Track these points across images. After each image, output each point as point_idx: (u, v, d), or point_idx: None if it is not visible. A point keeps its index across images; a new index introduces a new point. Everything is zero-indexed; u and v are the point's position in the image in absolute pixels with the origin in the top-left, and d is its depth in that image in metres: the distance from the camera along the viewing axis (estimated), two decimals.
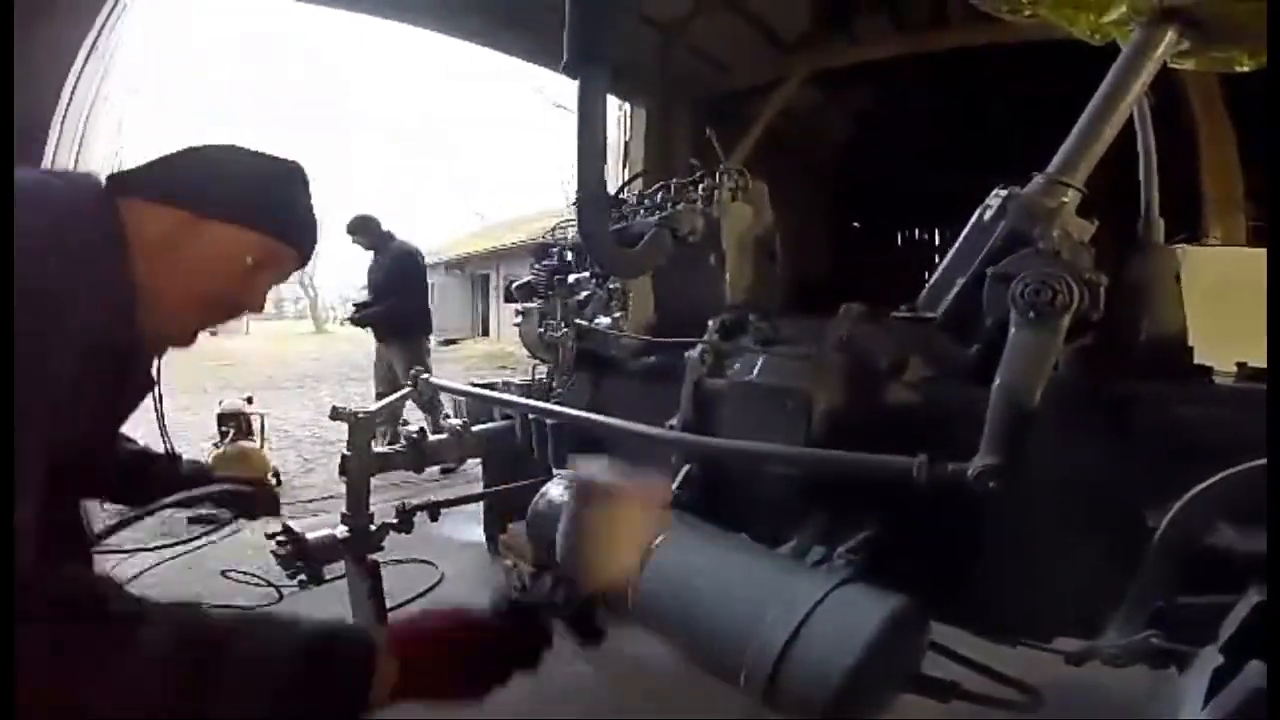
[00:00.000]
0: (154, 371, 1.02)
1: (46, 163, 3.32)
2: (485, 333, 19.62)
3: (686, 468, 1.49)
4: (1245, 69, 1.40)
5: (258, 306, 1.03)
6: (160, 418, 1.07)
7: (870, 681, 0.97)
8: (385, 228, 4.95)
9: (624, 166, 5.82)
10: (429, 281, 5.31)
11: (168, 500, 1.19)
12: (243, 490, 1.34)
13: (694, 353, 1.52)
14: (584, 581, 0.96)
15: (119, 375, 0.88)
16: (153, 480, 1.24)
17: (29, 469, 0.68)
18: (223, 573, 2.42)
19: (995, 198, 1.21)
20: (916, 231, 10.30)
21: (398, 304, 4.76)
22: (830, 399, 1.19)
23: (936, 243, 10.12)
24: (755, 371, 1.34)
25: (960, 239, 1.25)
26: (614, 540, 0.96)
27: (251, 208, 0.95)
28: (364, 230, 4.86)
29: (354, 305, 5.39)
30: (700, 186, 1.84)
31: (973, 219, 1.24)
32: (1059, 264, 1.01)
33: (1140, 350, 1.12)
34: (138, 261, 0.85)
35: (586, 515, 0.97)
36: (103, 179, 0.91)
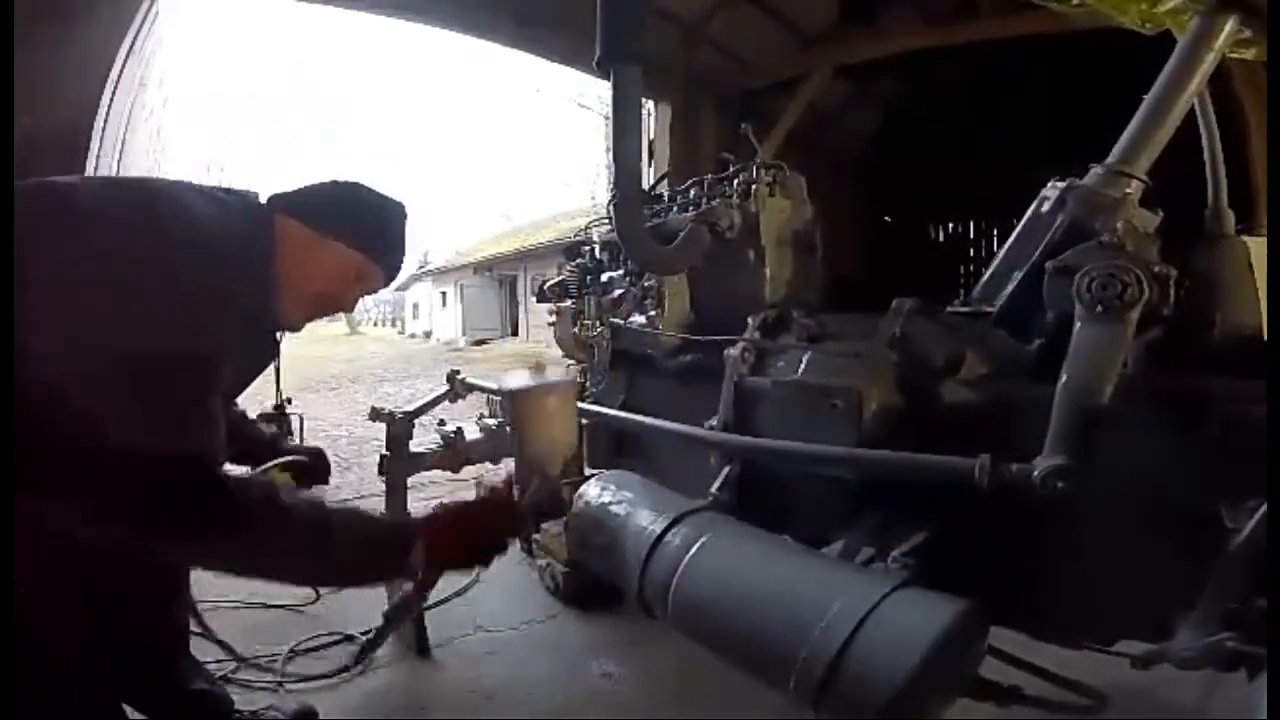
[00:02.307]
0: (279, 346, 1.34)
1: (90, 170, 3.39)
2: (515, 333, 19.72)
3: (727, 469, 1.48)
4: None
5: (350, 309, 1.35)
6: (278, 379, 1.45)
7: (928, 687, 0.95)
8: None
9: (650, 165, 5.79)
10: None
11: (260, 469, 1.44)
12: (308, 461, 1.61)
13: (734, 350, 1.50)
14: (539, 459, 1.27)
15: (260, 346, 1.19)
16: (247, 441, 1.53)
17: (217, 409, 1.01)
18: None
19: (1052, 189, 1.17)
20: (951, 226, 10.11)
21: None
22: (883, 398, 1.16)
23: (972, 236, 9.93)
24: (801, 369, 1.32)
25: (1016, 231, 1.21)
26: (549, 424, 1.28)
27: (364, 237, 1.25)
28: None
29: None
30: (736, 181, 1.81)
31: (1029, 211, 1.19)
32: (1125, 256, 0.97)
33: (1214, 344, 1.08)
34: (281, 263, 1.16)
35: (527, 412, 1.27)
36: (263, 197, 1.23)
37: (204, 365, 0.99)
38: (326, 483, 1.74)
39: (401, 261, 1.37)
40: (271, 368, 1.34)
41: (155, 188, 1.13)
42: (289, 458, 1.56)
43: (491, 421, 2.25)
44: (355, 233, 1.24)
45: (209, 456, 1.01)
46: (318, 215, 1.21)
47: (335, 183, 1.28)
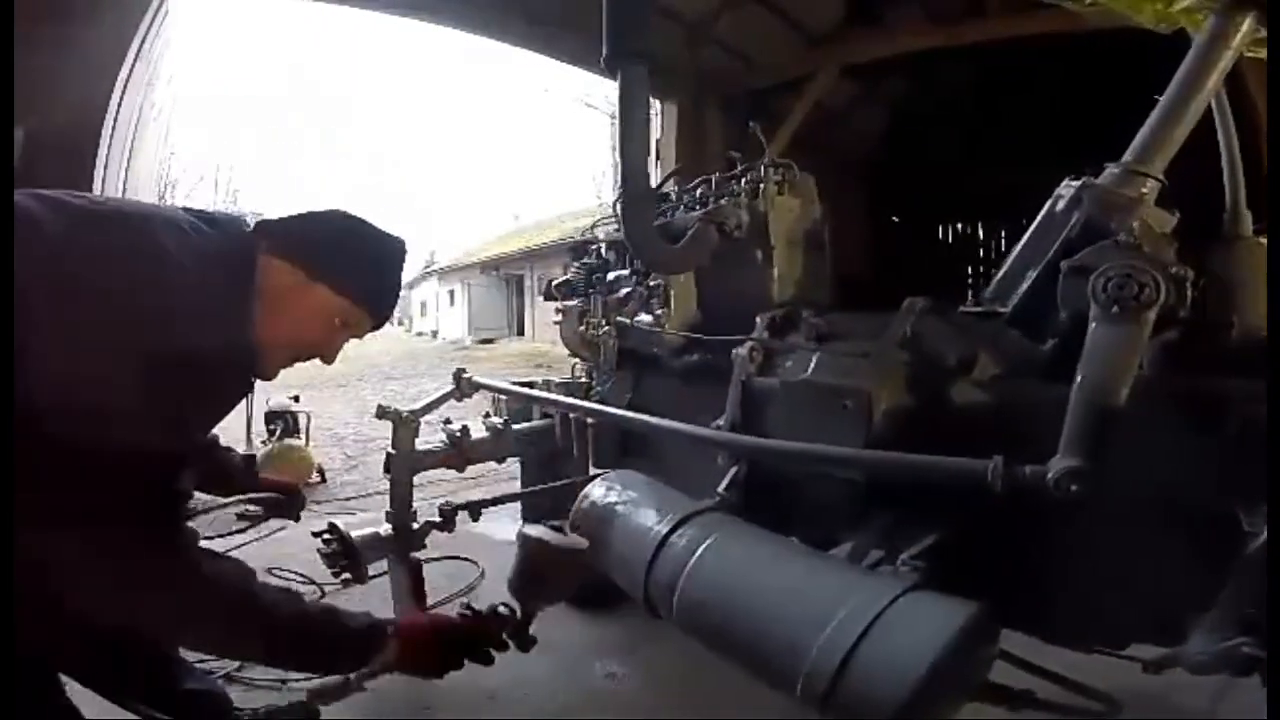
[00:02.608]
0: (251, 386, 1.25)
1: (99, 172, 3.40)
2: (520, 332, 19.77)
3: (734, 469, 1.46)
4: None
5: (331, 359, 1.24)
6: (249, 420, 1.46)
7: (938, 691, 0.93)
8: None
9: (657, 164, 5.79)
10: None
11: (225, 501, 1.44)
12: (281, 499, 1.63)
13: (742, 350, 1.49)
14: (525, 604, 1.36)
15: (230, 388, 1.11)
16: (218, 469, 1.51)
17: (191, 453, 1.02)
18: (269, 570, 2.46)
19: (1067, 188, 1.15)
20: (958, 226, 10.08)
21: None
22: (894, 398, 1.15)
23: (980, 237, 9.90)
24: (810, 370, 1.30)
25: (1030, 231, 1.19)
26: (547, 580, 1.35)
27: (352, 281, 1.17)
28: None
29: None
30: (744, 180, 1.80)
31: (1043, 210, 1.18)
32: (1142, 256, 0.96)
33: (1231, 346, 1.06)
34: (262, 308, 1.07)
35: (529, 560, 1.32)
36: (249, 223, 1.16)
37: (166, 418, 0.94)
38: (296, 520, 1.78)
39: (393, 306, 1.30)
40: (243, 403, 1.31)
41: (131, 222, 1.04)
42: (259, 495, 1.57)
43: (497, 420, 2.24)
44: (346, 277, 1.16)
45: (174, 521, 1.00)
46: (307, 255, 1.13)
47: (330, 217, 1.20)
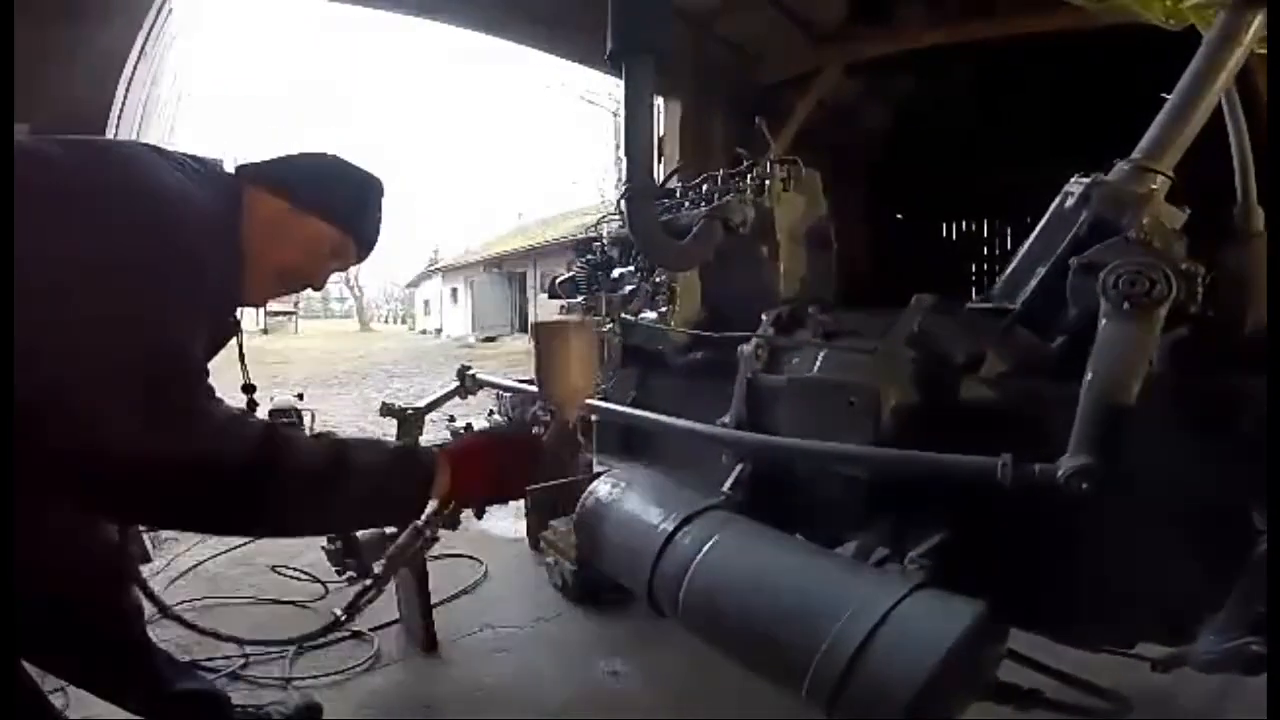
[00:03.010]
0: (239, 319, 1.25)
1: None
2: (523, 329, 19.76)
3: (739, 467, 1.46)
4: None
5: (320, 286, 1.27)
6: (241, 355, 1.31)
7: (946, 690, 0.93)
8: None
9: (660, 161, 5.77)
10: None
11: None
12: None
13: (747, 347, 1.48)
14: (557, 398, 1.30)
15: (220, 322, 1.11)
16: None
17: (201, 357, 0.99)
18: (273, 568, 2.46)
19: (1075, 185, 1.14)
20: (963, 224, 10.05)
21: None
22: (901, 396, 1.14)
23: (985, 235, 9.86)
24: (816, 367, 1.30)
25: (1038, 228, 1.18)
26: (573, 363, 1.29)
27: (338, 211, 1.20)
28: None
29: None
30: (750, 176, 1.79)
31: (1052, 207, 1.17)
32: (1152, 253, 0.95)
33: (1243, 343, 1.05)
34: (249, 235, 1.09)
35: (549, 346, 1.29)
36: (230, 166, 1.17)
37: (179, 308, 0.94)
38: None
39: (377, 236, 1.30)
40: (235, 349, 1.27)
41: (120, 149, 1.08)
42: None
43: (501, 418, 2.24)
44: (331, 206, 1.19)
45: (196, 386, 0.95)
46: (291, 187, 1.15)
47: (311, 154, 1.23)
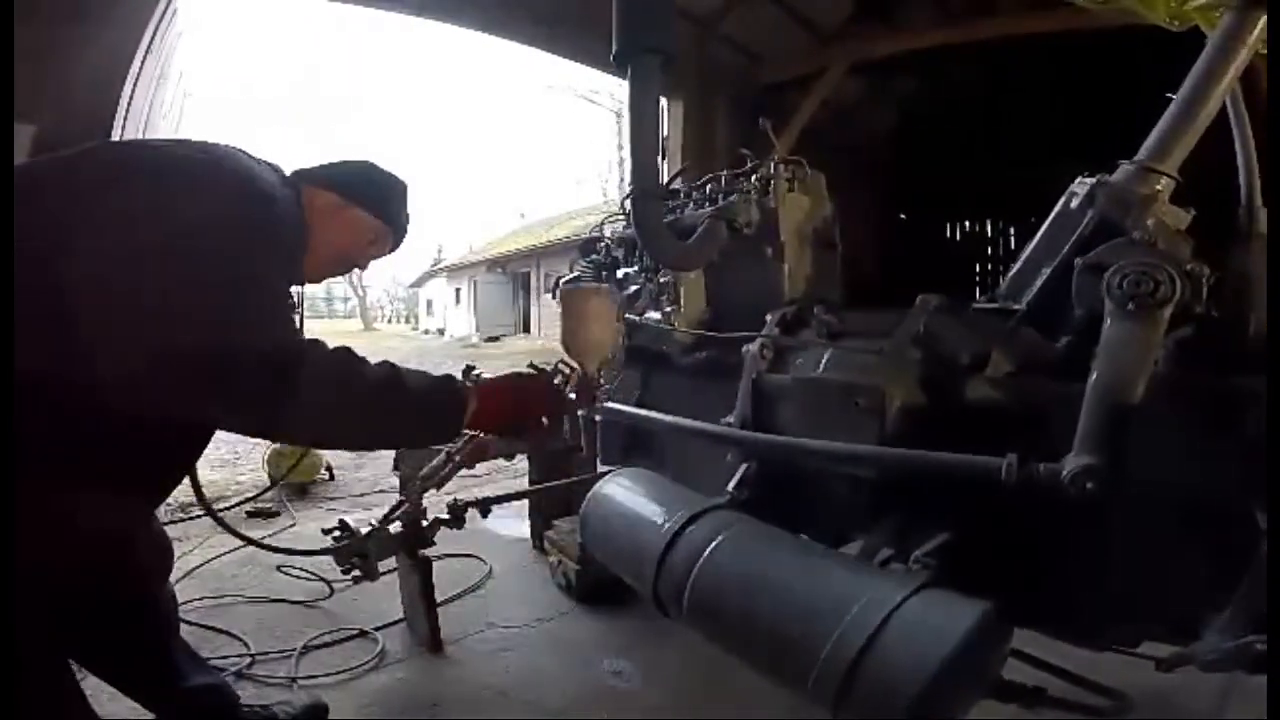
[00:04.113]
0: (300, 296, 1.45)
1: None
2: (526, 329, 19.79)
3: (744, 467, 1.46)
4: None
5: (364, 268, 1.52)
6: (301, 324, 1.44)
7: (951, 688, 0.93)
8: None
9: (664, 161, 5.77)
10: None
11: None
12: None
13: (753, 347, 1.48)
14: (579, 352, 1.45)
15: (291, 277, 1.25)
16: None
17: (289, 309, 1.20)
18: (278, 567, 2.46)
19: (1080, 185, 1.14)
20: (968, 223, 10.04)
21: None
22: (906, 395, 1.14)
23: (989, 235, 9.85)
24: (821, 367, 1.30)
25: (1043, 228, 1.18)
26: (594, 321, 1.48)
27: (379, 205, 1.41)
28: None
29: None
30: (755, 176, 1.80)
31: (1057, 207, 1.17)
32: (1157, 254, 0.95)
33: (1248, 344, 1.05)
34: (310, 223, 1.29)
35: (573, 307, 1.47)
36: (286, 169, 1.34)
37: (270, 261, 1.12)
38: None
39: (407, 229, 1.51)
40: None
41: (213, 144, 1.24)
42: None
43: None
44: (373, 201, 1.40)
45: (286, 327, 1.15)
46: (341, 185, 1.36)
47: (352, 160, 1.44)
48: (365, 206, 1.39)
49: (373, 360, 1.16)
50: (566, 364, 1.42)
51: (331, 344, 1.13)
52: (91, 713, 1.22)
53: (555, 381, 1.40)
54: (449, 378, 1.26)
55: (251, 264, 1.07)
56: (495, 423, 1.32)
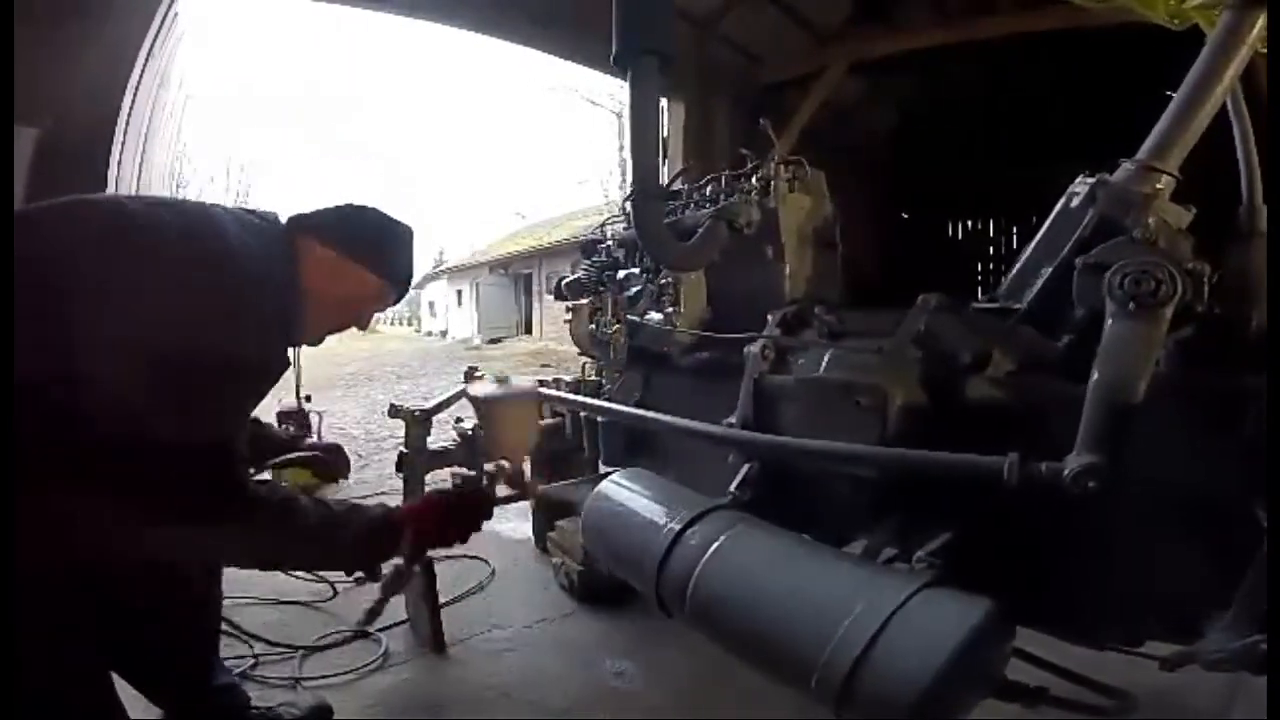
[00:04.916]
0: (294, 356, 1.44)
1: (112, 172, 3.43)
2: (528, 331, 19.79)
3: (746, 467, 1.46)
4: None
5: (365, 326, 1.44)
6: (298, 385, 1.58)
7: (954, 688, 0.93)
8: None
9: (664, 162, 5.78)
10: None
11: (272, 462, 1.59)
12: (325, 457, 1.73)
13: (754, 348, 1.49)
14: (507, 450, 1.55)
15: (277, 358, 1.21)
16: (263, 441, 1.64)
17: (246, 414, 1.19)
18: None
19: (1081, 184, 1.15)
20: (969, 223, 10.04)
21: None
22: (908, 395, 1.14)
23: (990, 233, 9.85)
24: (823, 367, 1.30)
25: (1044, 227, 1.19)
26: (514, 427, 1.57)
27: (378, 261, 1.34)
28: None
29: None
30: (755, 177, 1.80)
31: (1057, 206, 1.17)
32: (1158, 253, 0.95)
33: (1249, 342, 1.05)
34: (305, 282, 1.24)
35: (494, 415, 1.55)
36: (282, 218, 1.31)
37: (239, 371, 1.09)
38: (346, 477, 1.90)
39: (410, 281, 1.46)
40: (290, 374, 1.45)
41: (191, 209, 1.22)
42: (307, 453, 1.66)
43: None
44: (372, 256, 1.33)
45: (236, 459, 1.12)
46: (338, 239, 1.29)
47: (350, 207, 1.36)
48: (367, 263, 1.32)
49: (313, 500, 1.23)
50: (498, 462, 1.53)
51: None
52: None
53: (484, 485, 1.53)
54: (382, 517, 1.34)
55: (205, 376, 1.04)
56: (431, 544, 1.41)
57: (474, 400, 1.56)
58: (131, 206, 1.13)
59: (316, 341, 1.38)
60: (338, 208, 1.35)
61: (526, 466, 1.61)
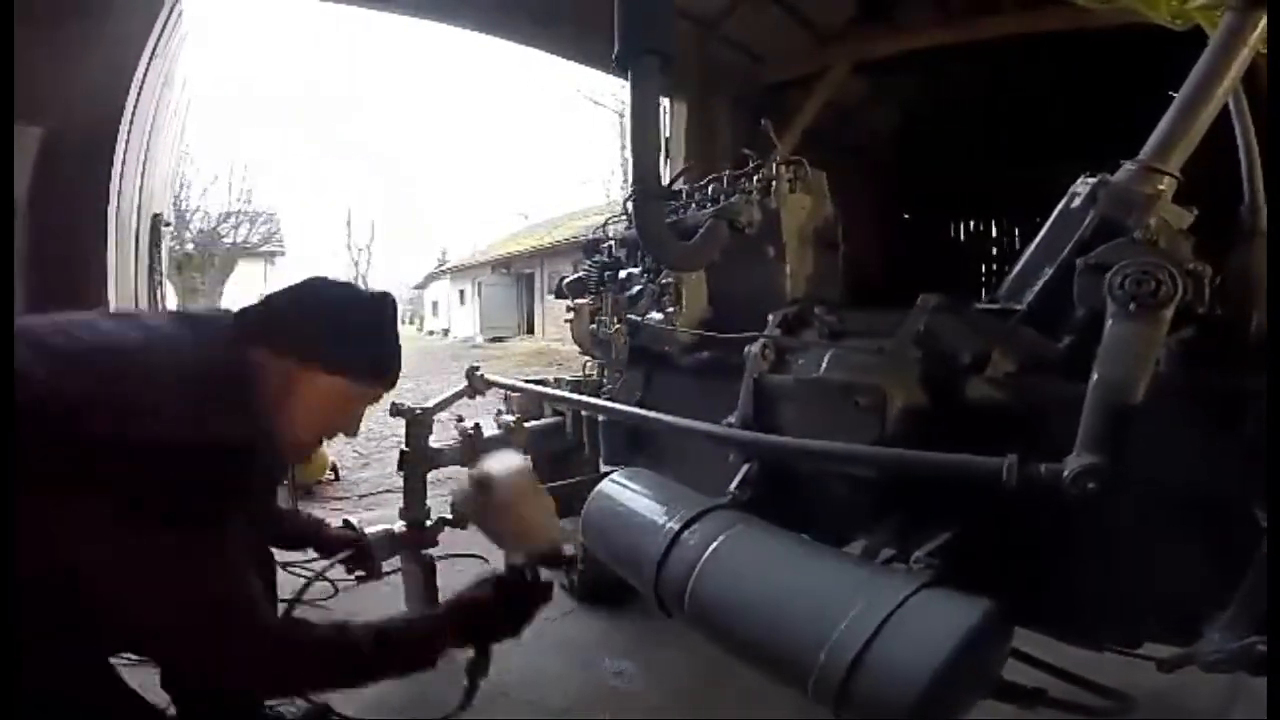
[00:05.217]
0: (286, 470, 1.36)
1: (115, 173, 3.44)
2: (530, 330, 19.82)
3: (746, 467, 1.46)
4: None
5: (353, 432, 1.29)
6: (292, 498, 1.41)
7: (952, 689, 0.93)
8: None
9: (666, 162, 5.77)
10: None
11: (319, 571, 1.74)
12: (355, 553, 1.75)
13: (754, 348, 1.49)
14: (520, 549, 1.25)
15: (268, 475, 1.17)
16: (315, 539, 1.71)
17: (249, 573, 1.04)
18: (283, 566, 2.47)
19: (1083, 185, 1.15)
20: (971, 223, 10.03)
21: None
22: (907, 396, 1.14)
23: (993, 234, 9.83)
24: (822, 367, 1.30)
25: (1045, 228, 1.19)
26: (526, 511, 1.24)
27: (351, 362, 1.15)
28: None
29: None
30: (756, 177, 1.80)
31: (1058, 207, 1.17)
32: (1158, 253, 0.95)
33: (1250, 343, 1.05)
34: (272, 402, 1.07)
35: (494, 502, 1.23)
36: (232, 320, 1.12)
37: (220, 528, 0.96)
38: (377, 575, 1.87)
39: (397, 368, 1.26)
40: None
41: (129, 345, 1.02)
42: (336, 557, 1.72)
43: (509, 418, 2.25)
44: (349, 360, 1.14)
45: (250, 617, 1.02)
46: (293, 344, 1.10)
47: (315, 294, 1.16)
48: (340, 369, 1.12)
49: (357, 624, 1.10)
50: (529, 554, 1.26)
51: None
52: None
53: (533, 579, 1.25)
54: (428, 624, 1.21)
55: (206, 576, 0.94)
56: (484, 639, 1.27)
57: (480, 484, 1.24)
58: (36, 374, 0.91)
59: (304, 456, 1.29)
60: (292, 297, 1.15)
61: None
